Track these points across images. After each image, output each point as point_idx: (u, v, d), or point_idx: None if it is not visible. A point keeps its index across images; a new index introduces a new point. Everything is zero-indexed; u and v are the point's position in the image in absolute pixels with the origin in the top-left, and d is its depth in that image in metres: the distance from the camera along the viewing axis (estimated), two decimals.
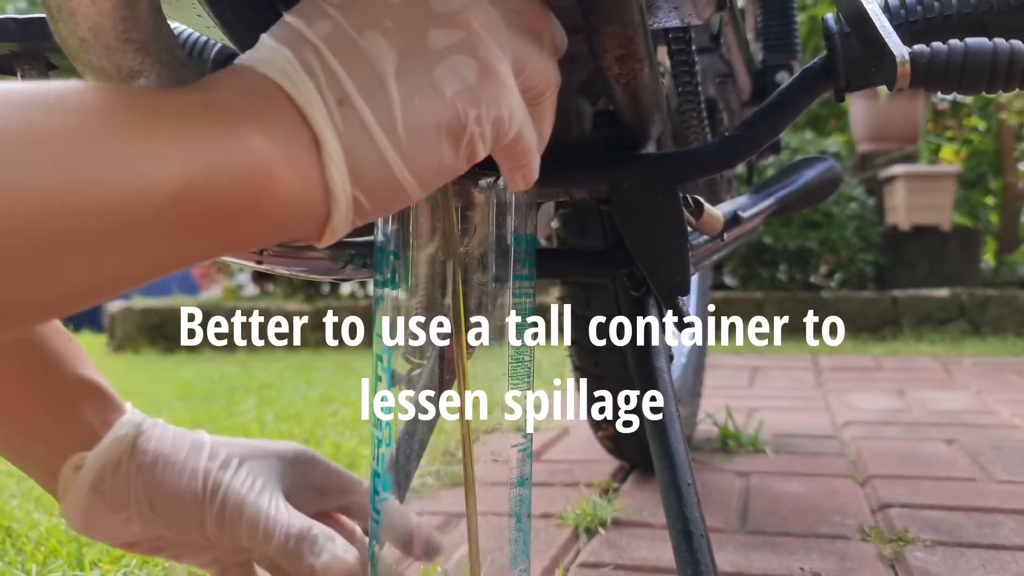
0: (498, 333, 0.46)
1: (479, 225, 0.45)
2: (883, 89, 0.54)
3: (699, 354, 1.42)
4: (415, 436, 0.48)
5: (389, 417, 0.46)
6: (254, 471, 0.51)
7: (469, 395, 0.47)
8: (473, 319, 0.46)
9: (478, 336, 0.46)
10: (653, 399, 0.59)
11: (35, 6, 9.86)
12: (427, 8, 0.35)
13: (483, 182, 0.45)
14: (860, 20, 0.54)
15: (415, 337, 0.46)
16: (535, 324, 0.48)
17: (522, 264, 0.47)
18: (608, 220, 0.66)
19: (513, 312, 0.47)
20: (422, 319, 0.46)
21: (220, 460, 0.51)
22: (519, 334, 0.47)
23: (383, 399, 0.46)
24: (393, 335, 0.46)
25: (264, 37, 0.34)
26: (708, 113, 0.96)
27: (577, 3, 0.43)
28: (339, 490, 0.57)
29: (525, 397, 0.48)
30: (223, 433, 0.54)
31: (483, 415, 0.47)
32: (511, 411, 0.47)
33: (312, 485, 0.55)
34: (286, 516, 0.50)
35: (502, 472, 0.48)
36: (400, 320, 0.46)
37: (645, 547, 0.93)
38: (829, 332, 3.22)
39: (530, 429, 0.48)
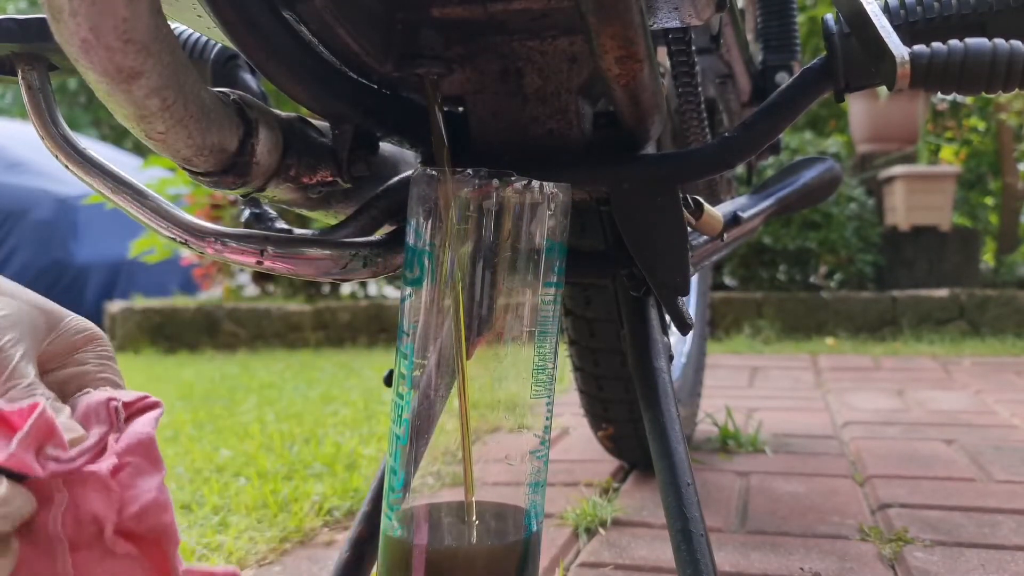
0: (522, 339, 0.46)
1: (510, 228, 0.45)
2: (883, 89, 0.54)
3: (699, 354, 1.43)
4: (427, 434, 0.48)
5: (409, 415, 0.46)
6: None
7: (468, 393, 0.47)
8: (497, 323, 0.46)
9: (495, 339, 0.46)
10: (652, 399, 0.60)
11: (36, 6, 9.85)
12: None
13: (517, 184, 0.45)
14: (860, 20, 0.54)
15: (430, 336, 0.46)
16: (558, 332, 0.48)
17: (552, 271, 0.47)
18: (608, 220, 0.66)
19: (539, 319, 0.47)
20: (437, 318, 0.46)
21: None
22: (543, 341, 0.47)
23: (403, 396, 0.46)
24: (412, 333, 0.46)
25: None
26: (708, 114, 0.96)
27: (577, 4, 0.44)
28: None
29: (546, 404, 0.48)
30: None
31: (505, 419, 0.47)
32: (528, 417, 0.47)
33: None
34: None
35: (506, 473, 0.48)
36: (424, 318, 0.46)
37: (645, 547, 0.93)
38: (828, 332, 3.23)
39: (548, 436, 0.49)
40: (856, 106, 3.89)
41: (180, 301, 3.77)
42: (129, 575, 0.39)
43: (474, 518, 0.48)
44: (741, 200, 0.88)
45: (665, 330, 0.67)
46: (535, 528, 0.48)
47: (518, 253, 0.46)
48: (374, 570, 0.55)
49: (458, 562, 0.47)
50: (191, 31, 0.65)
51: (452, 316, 0.46)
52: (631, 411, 1.12)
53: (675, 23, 0.54)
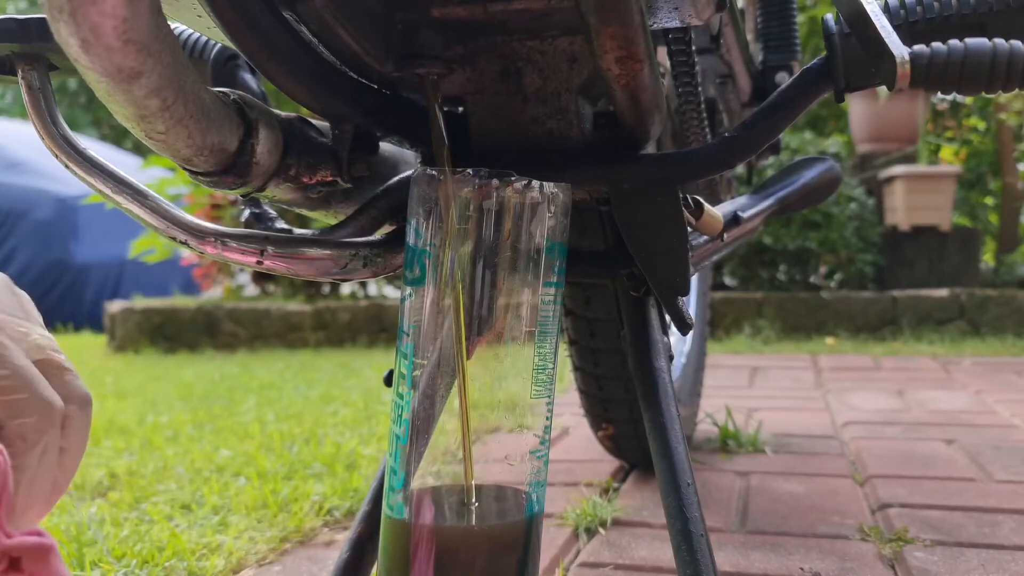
0: (522, 339, 0.46)
1: (510, 228, 0.45)
2: (883, 89, 0.54)
3: (699, 354, 1.43)
4: (427, 434, 0.48)
5: (409, 415, 0.46)
6: None
7: (468, 393, 0.47)
8: (497, 323, 0.46)
9: (495, 339, 0.46)
10: (652, 399, 0.60)
11: (36, 6, 9.85)
12: None
13: (517, 184, 0.45)
14: (860, 20, 0.54)
15: (430, 336, 0.46)
16: (559, 332, 0.48)
17: (552, 271, 0.47)
18: (608, 220, 0.66)
19: (539, 319, 0.47)
20: (437, 318, 0.46)
21: None
22: (543, 341, 0.47)
23: (403, 396, 0.46)
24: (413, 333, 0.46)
25: None
26: (708, 114, 0.96)
27: (577, 4, 0.44)
28: None
29: (546, 404, 0.48)
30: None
31: (505, 419, 0.47)
32: (528, 417, 0.47)
33: None
34: None
35: (506, 473, 0.48)
36: (424, 318, 0.46)
37: (645, 547, 0.93)
38: (829, 332, 3.23)
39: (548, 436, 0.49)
40: (856, 106, 3.89)
41: (180, 301, 3.77)
42: None
43: (474, 500, 0.48)
44: (741, 200, 0.88)
45: (665, 330, 0.67)
46: (536, 509, 0.48)
47: (518, 253, 0.46)
48: (374, 570, 0.55)
49: (461, 541, 0.47)
50: (191, 31, 0.65)
51: (452, 316, 0.46)
52: (631, 411, 1.12)
53: (675, 23, 0.54)
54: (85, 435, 0.46)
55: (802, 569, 0.86)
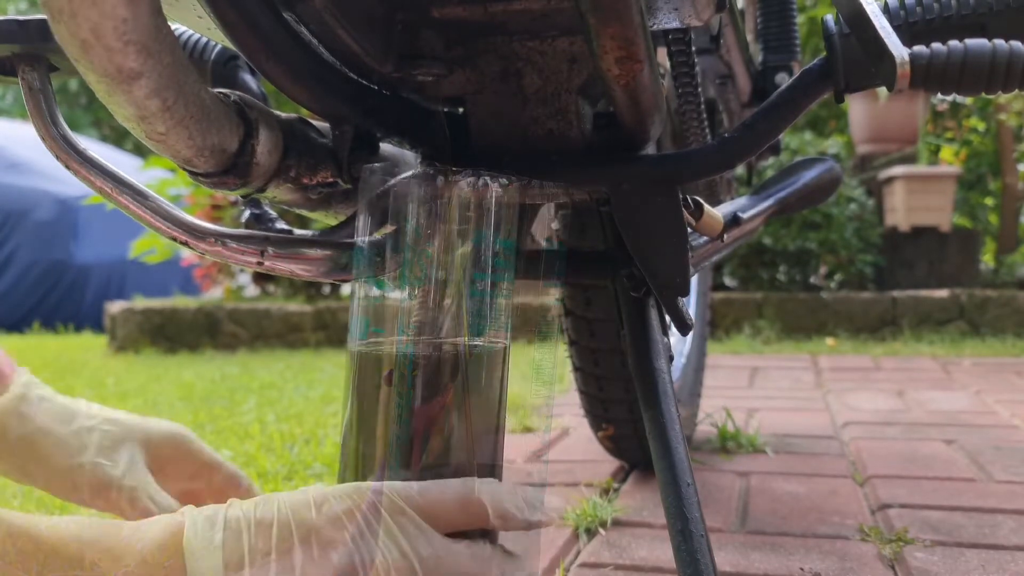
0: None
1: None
2: (883, 90, 0.54)
3: (699, 354, 1.43)
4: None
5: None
6: (126, 450, 0.64)
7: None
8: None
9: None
10: (652, 399, 0.60)
11: (36, 7, 9.85)
12: None
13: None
14: (860, 21, 0.54)
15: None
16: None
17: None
18: (608, 221, 0.66)
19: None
20: (436, 318, 0.46)
21: (95, 442, 0.64)
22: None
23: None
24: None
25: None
26: (708, 114, 0.96)
27: (577, 4, 0.44)
28: (205, 470, 0.70)
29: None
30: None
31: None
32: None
33: (180, 464, 0.70)
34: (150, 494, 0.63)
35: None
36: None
37: (645, 547, 0.93)
38: (829, 333, 3.23)
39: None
40: (856, 106, 3.89)
41: (180, 301, 3.77)
42: None
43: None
44: (741, 201, 0.88)
45: (665, 330, 0.67)
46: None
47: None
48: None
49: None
50: (191, 32, 0.65)
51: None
52: (631, 411, 1.12)
53: (675, 24, 0.54)
54: None
55: (802, 569, 0.86)
